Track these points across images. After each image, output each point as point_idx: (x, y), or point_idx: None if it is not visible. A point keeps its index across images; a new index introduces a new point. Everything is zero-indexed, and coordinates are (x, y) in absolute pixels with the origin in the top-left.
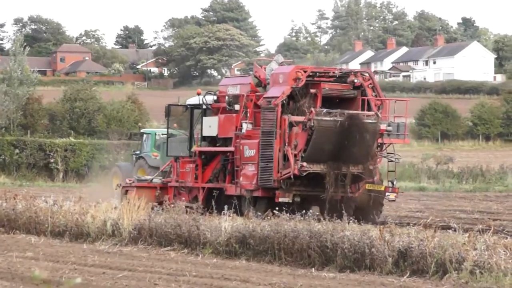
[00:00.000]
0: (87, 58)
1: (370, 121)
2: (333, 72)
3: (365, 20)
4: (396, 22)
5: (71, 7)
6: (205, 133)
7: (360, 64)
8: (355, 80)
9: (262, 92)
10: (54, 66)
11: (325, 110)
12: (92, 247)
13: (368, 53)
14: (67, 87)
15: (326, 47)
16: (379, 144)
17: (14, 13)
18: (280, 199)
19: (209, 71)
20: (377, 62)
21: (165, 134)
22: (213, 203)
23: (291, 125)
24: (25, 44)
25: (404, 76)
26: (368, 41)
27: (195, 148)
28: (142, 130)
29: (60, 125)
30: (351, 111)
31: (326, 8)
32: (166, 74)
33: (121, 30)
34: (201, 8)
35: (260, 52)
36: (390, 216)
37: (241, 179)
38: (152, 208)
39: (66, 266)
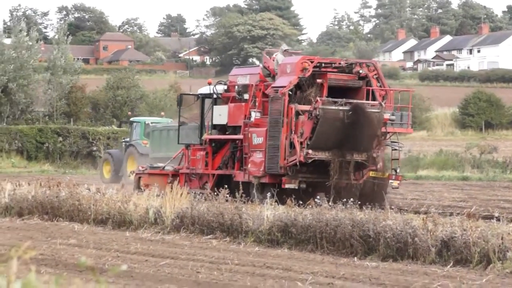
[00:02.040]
0: (129, 46)
1: (374, 110)
2: (339, 63)
3: (408, 9)
4: (440, 11)
5: None
6: (215, 122)
7: (403, 52)
8: (361, 71)
9: (271, 82)
10: (97, 55)
11: (330, 100)
12: (135, 235)
13: (411, 42)
14: (110, 76)
15: (369, 35)
16: (383, 132)
17: (58, 1)
18: (287, 185)
19: (250, 59)
20: (420, 51)
21: (154, 123)
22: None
23: (297, 113)
24: (68, 33)
25: (447, 65)
26: (412, 29)
27: (205, 136)
28: (131, 119)
29: (103, 113)
30: (355, 101)
31: None
32: (208, 62)
33: (163, 18)
34: None
35: (303, 41)
36: (433, 206)
37: (249, 166)
38: (194, 197)
39: (109, 254)
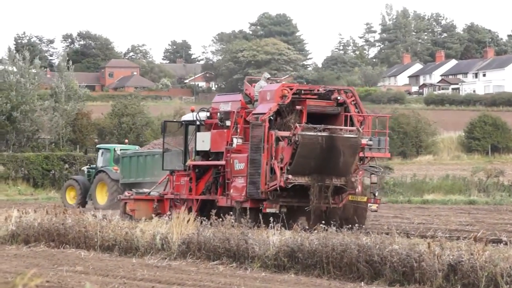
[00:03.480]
0: (135, 73)
1: (351, 135)
2: (318, 90)
3: (413, 33)
4: (445, 35)
5: (119, 23)
6: (198, 148)
7: (408, 77)
8: (339, 97)
9: (252, 109)
10: (102, 81)
11: (309, 126)
12: (141, 261)
13: (417, 66)
14: (115, 102)
15: (374, 60)
16: (360, 157)
17: (63, 29)
18: (268, 210)
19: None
20: (426, 75)
21: (123, 150)
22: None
23: (277, 139)
24: (68, 59)
25: (453, 89)
26: (417, 53)
27: (189, 162)
28: (97, 146)
29: (109, 140)
30: (333, 127)
31: (374, 21)
32: (214, 88)
33: (168, 45)
34: (249, 23)
35: (308, 66)
36: (440, 230)
37: (231, 191)
38: (201, 222)
39: (115, 280)
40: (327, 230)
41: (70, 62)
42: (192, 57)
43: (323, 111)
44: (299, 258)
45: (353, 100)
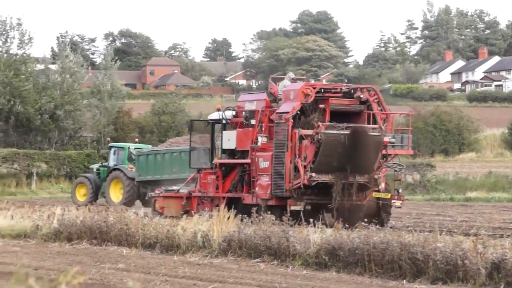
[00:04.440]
0: (176, 71)
1: (374, 133)
2: (341, 88)
3: (456, 30)
4: (488, 31)
5: (160, 21)
6: (224, 146)
7: (451, 74)
8: (361, 96)
9: (276, 108)
10: (143, 80)
11: (332, 124)
12: (183, 259)
13: (459, 63)
14: (156, 101)
15: (415, 57)
16: (383, 155)
17: (105, 28)
18: (292, 208)
19: None
20: (468, 72)
21: (137, 148)
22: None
23: (301, 138)
24: (115, 58)
25: (496, 86)
26: (459, 50)
27: (216, 160)
28: (110, 144)
29: (149, 138)
30: (356, 125)
31: (416, 18)
32: (254, 86)
33: (209, 43)
34: (290, 20)
35: (349, 63)
36: (483, 228)
37: (256, 189)
38: (242, 220)
39: (157, 278)
40: (368, 227)
41: (118, 62)
42: (232, 55)
43: (346, 109)
44: (340, 256)
45: (375, 98)
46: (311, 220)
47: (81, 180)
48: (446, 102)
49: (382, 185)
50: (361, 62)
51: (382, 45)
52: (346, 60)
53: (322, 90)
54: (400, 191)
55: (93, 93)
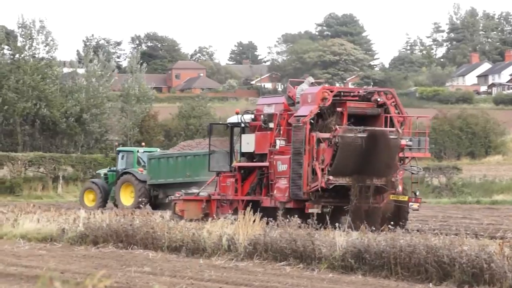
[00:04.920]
0: (201, 74)
1: (391, 136)
2: (358, 92)
3: (482, 32)
4: None
5: (186, 25)
6: (243, 149)
7: (477, 76)
8: (379, 99)
9: (295, 111)
10: (169, 83)
11: (349, 127)
12: (209, 262)
13: (485, 66)
14: (182, 104)
15: (441, 60)
16: (401, 157)
17: (131, 31)
18: (310, 210)
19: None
20: (495, 75)
21: (146, 152)
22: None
23: (318, 141)
24: (141, 61)
25: None
26: (485, 53)
27: (235, 163)
28: (118, 149)
29: (176, 141)
30: (372, 128)
31: (442, 21)
32: (280, 89)
33: (235, 46)
34: (315, 23)
35: (375, 66)
36: (509, 231)
37: (275, 192)
38: (267, 223)
39: (183, 281)
40: (394, 231)
41: (144, 65)
42: (258, 58)
43: (363, 112)
44: (366, 259)
45: (393, 102)
46: (328, 222)
47: (89, 186)
48: (472, 104)
49: (400, 188)
50: (387, 65)
51: (408, 47)
52: (372, 63)
53: (340, 94)
54: (417, 193)
55: (122, 97)
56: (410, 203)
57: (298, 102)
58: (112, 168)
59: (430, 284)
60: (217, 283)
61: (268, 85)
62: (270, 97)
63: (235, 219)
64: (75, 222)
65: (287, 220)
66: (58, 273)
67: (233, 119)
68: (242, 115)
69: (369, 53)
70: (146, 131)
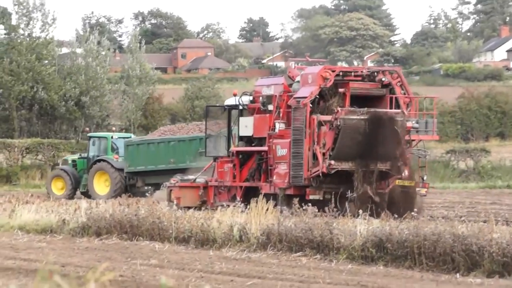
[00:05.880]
0: (209, 53)
1: (396, 118)
2: (361, 71)
3: None
4: None
5: (192, 0)
6: (241, 133)
7: (507, 51)
8: (383, 79)
9: (294, 92)
10: (175, 63)
11: (351, 109)
12: (219, 254)
13: None
14: (188, 85)
15: (468, 34)
16: (407, 140)
17: (134, 8)
18: (311, 197)
19: (339, 64)
20: None
21: (121, 138)
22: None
23: (320, 124)
24: (141, 37)
25: None
26: None
27: (233, 148)
28: (89, 134)
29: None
30: (376, 109)
31: None
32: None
33: (244, 23)
34: None
35: (395, 42)
36: None
37: (274, 177)
38: (281, 212)
39: (192, 274)
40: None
41: (143, 42)
42: (269, 36)
43: (367, 93)
44: (388, 249)
45: (398, 81)
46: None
47: (58, 173)
48: (502, 82)
49: (406, 172)
50: (408, 41)
51: (432, 21)
52: (392, 38)
53: (342, 74)
54: (425, 178)
55: (122, 78)
56: (417, 189)
57: (297, 81)
58: (82, 155)
59: (457, 274)
60: (228, 275)
61: (281, 64)
62: (269, 78)
63: (246, 207)
64: (76, 212)
65: (302, 207)
66: (58, 267)
67: (231, 101)
68: (240, 97)
69: (389, 28)
70: (151, 114)
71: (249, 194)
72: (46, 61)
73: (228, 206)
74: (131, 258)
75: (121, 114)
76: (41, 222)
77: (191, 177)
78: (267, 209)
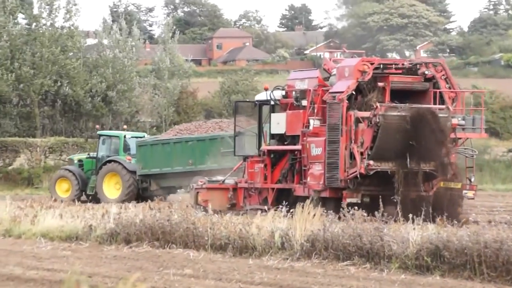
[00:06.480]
0: (247, 43)
1: (440, 115)
2: (402, 64)
3: None
4: None
5: None
6: (273, 131)
7: None
8: (426, 72)
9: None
10: (210, 54)
11: (391, 105)
12: (259, 262)
13: None
14: (225, 78)
15: None
16: (452, 139)
17: None
18: (348, 200)
19: (389, 54)
20: None
21: (134, 137)
22: None
23: (357, 121)
24: (174, 27)
25: None
26: None
27: (264, 146)
28: (99, 132)
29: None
30: (419, 105)
31: None
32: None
33: (286, 10)
34: None
35: (451, 30)
36: None
37: (308, 179)
38: (327, 215)
39: (230, 285)
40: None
41: (177, 32)
42: (312, 24)
43: (409, 87)
44: (445, 257)
45: (443, 75)
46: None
47: (63, 174)
48: None
49: (452, 173)
50: (465, 29)
51: (491, 7)
52: (447, 26)
53: (381, 66)
54: (472, 180)
55: (153, 71)
56: (464, 191)
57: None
58: (91, 154)
59: None
60: (269, 286)
61: (325, 55)
62: (303, 71)
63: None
64: (104, 217)
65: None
66: (85, 277)
67: (262, 96)
68: (272, 92)
69: (444, 14)
70: (184, 110)
71: (281, 197)
72: (71, 54)
73: (264, 210)
74: (164, 268)
75: (151, 110)
76: (65, 229)
77: (219, 178)
78: (313, 215)
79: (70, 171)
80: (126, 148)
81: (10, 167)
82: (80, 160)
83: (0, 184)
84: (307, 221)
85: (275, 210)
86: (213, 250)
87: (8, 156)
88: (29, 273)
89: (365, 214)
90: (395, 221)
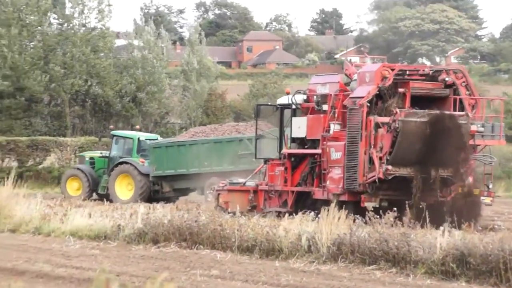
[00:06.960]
0: (277, 47)
1: (459, 121)
2: (423, 70)
3: None
4: None
5: None
6: (294, 134)
7: None
8: (447, 78)
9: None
10: (240, 57)
11: (411, 111)
12: (285, 265)
13: None
14: (254, 81)
15: None
16: (471, 145)
17: None
18: (366, 204)
19: (420, 59)
20: None
21: (148, 139)
22: None
23: (377, 126)
24: (200, 30)
25: None
26: None
27: (284, 150)
28: (112, 132)
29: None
30: (439, 111)
31: None
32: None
33: (316, 14)
34: None
35: (483, 37)
36: None
37: (328, 182)
38: (354, 220)
39: (256, 287)
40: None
41: (203, 34)
42: (343, 28)
43: (429, 93)
44: (471, 264)
45: (463, 81)
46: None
47: (74, 172)
48: None
49: (469, 180)
50: (497, 35)
51: None
52: (479, 33)
53: (402, 72)
54: (490, 186)
55: (183, 73)
56: (481, 197)
57: (354, 80)
58: (104, 153)
59: None
60: None
61: (356, 59)
62: (325, 76)
63: (315, 215)
64: (132, 217)
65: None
66: (113, 276)
67: (283, 99)
68: (293, 96)
69: (476, 21)
70: (213, 112)
71: (300, 200)
72: (102, 54)
73: (284, 213)
74: (191, 268)
75: (181, 112)
76: (94, 228)
77: (240, 180)
78: (339, 218)
79: (80, 170)
80: (140, 150)
81: (40, 166)
82: (91, 158)
83: (30, 183)
84: (333, 225)
85: (303, 213)
86: (240, 252)
87: (39, 155)
88: (58, 271)
89: (392, 219)
90: (421, 226)
